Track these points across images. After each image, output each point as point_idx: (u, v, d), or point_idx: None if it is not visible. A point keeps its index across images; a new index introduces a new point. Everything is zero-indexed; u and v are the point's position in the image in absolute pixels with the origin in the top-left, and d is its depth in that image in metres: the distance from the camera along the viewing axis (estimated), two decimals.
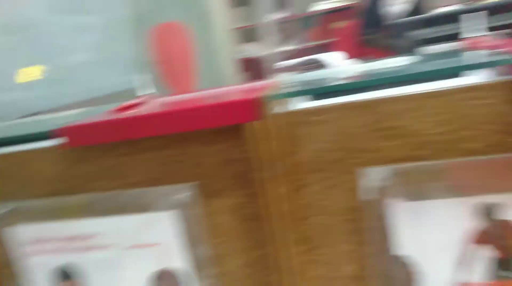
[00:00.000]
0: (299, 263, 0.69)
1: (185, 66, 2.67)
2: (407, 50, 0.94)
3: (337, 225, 0.67)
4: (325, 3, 3.47)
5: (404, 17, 1.41)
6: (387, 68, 0.71)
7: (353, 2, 1.60)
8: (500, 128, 0.58)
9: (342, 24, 1.54)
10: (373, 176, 0.63)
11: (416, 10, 1.41)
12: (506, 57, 0.57)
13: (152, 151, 0.73)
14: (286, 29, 3.43)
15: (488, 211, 0.60)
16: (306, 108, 0.64)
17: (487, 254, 0.61)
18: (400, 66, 0.71)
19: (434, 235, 0.62)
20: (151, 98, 0.93)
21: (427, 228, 0.62)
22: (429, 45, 0.94)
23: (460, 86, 0.59)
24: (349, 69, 0.72)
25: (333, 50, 1.62)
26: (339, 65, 0.93)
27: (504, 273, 0.62)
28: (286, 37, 3.42)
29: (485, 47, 0.68)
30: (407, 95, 0.61)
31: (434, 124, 0.60)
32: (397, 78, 0.61)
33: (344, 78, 0.65)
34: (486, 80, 0.58)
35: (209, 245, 0.72)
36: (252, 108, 0.60)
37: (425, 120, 0.60)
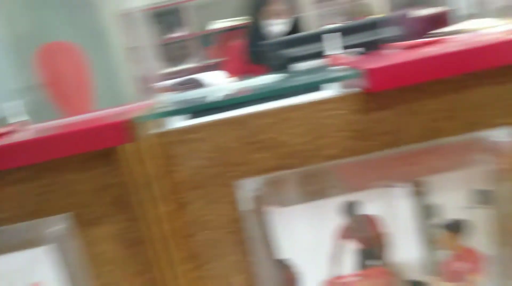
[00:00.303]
0: (187, 281, 0.69)
1: (77, 87, 2.51)
2: (281, 67, 1.02)
3: (222, 239, 0.69)
4: (223, 22, 3.58)
5: (282, 36, 1.53)
6: (258, 85, 0.76)
7: (246, 21, 1.70)
8: (351, 134, 0.66)
9: (233, 42, 1.63)
10: (249, 187, 0.66)
11: (293, 30, 1.54)
12: (352, 72, 0.66)
13: (23, 183, 0.67)
14: (185, 47, 3.47)
15: (349, 208, 0.67)
16: (181, 127, 0.66)
17: (352, 247, 0.68)
18: (270, 83, 0.77)
19: (308, 237, 0.67)
20: (24, 126, 0.86)
21: (301, 230, 0.67)
22: (300, 62, 1.04)
23: (317, 100, 0.65)
24: (225, 88, 0.76)
25: (225, 68, 1.68)
26: (217, 84, 0.98)
27: (368, 262, 0.69)
28: (185, 55, 3.46)
29: (340, 64, 0.77)
30: (273, 110, 0.66)
31: (297, 135, 0.66)
32: (264, 94, 0.66)
33: (218, 97, 0.68)
34: (337, 93, 0.66)
35: (94, 276, 0.69)
36: (122, 130, 0.59)
37: (289, 132, 0.66)
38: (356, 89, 0.65)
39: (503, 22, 0.94)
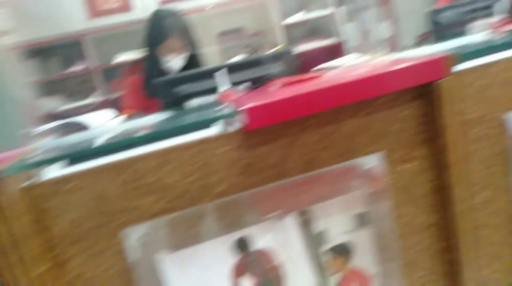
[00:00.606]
0: None
1: None
2: (176, 104, 1.02)
3: None
4: (127, 55, 3.49)
5: (178, 72, 1.54)
6: (144, 125, 0.74)
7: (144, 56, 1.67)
8: (238, 171, 0.67)
9: (132, 76, 1.58)
10: (137, 235, 0.63)
11: (191, 66, 1.56)
12: (233, 110, 0.67)
13: None
14: (86, 81, 3.28)
15: (241, 245, 0.68)
16: (55, 177, 0.61)
17: (248, 283, 0.68)
18: (156, 123, 0.76)
19: (203, 278, 0.66)
20: None
21: (196, 273, 0.65)
22: (195, 98, 1.05)
23: (201, 139, 0.66)
24: (108, 130, 0.73)
25: (124, 103, 1.63)
26: (102, 125, 0.93)
27: None
28: (86, 90, 3.27)
29: (227, 101, 0.79)
30: (157, 152, 0.64)
31: (184, 175, 0.65)
32: (147, 137, 0.64)
33: (99, 141, 0.65)
34: (222, 131, 0.67)
35: None
36: None
37: (177, 172, 0.65)
38: (238, 127, 0.67)
39: (374, 57, 1.05)
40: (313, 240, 0.71)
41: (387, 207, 0.75)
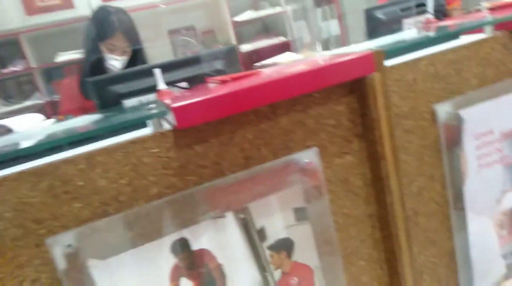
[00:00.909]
0: None
1: None
2: (113, 103, 0.98)
3: None
4: (70, 53, 3.31)
5: (120, 70, 1.49)
6: (72, 127, 0.70)
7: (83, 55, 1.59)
8: (172, 172, 0.65)
9: (71, 77, 1.50)
10: (65, 243, 0.59)
11: (133, 65, 1.51)
12: (164, 110, 0.65)
13: None
14: (25, 82, 3.07)
15: (179, 246, 0.66)
16: None
17: (188, 285, 0.67)
18: (87, 123, 0.72)
19: (140, 285, 0.63)
20: None
21: (132, 280, 0.63)
22: (133, 97, 1.01)
23: (131, 139, 0.63)
24: (33, 134, 0.68)
25: (61, 104, 1.54)
26: (28, 129, 0.88)
27: None
28: (25, 92, 3.06)
29: (164, 99, 0.77)
30: (83, 155, 0.61)
31: (116, 177, 0.62)
32: (73, 137, 0.60)
33: (23, 145, 0.60)
34: (153, 131, 0.64)
35: None
36: None
37: (107, 175, 0.62)
38: (170, 126, 0.65)
39: (311, 54, 1.07)
40: (254, 237, 0.71)
41: (326, 201, 0.76)
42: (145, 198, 0.64)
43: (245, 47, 3.61)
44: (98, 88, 0.97)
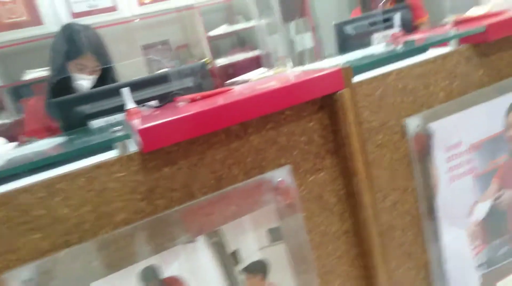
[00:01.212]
0: None
1: None
2: (79, 124, 0.95)
3: None
4: (38, 71, 3.22)
5: (87, 91, 1.45)
6: (33, 152, 0.67)
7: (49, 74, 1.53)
8: (139, 196, 0.63)
9: (36, 96, 1.45)
10: (22, 278, 0.55)
11: (102, 84, 1.47)
12: (130, 132, 0.63)
13: None
14: None
15: (149, 274, 0.63)
16: None
17: None
18: (49, 147, 0.69)
19: None
20: None
21: None
22: (100, 117, 0.98)
23: (95, 164, 0.60)
24: None
25: (25, 125, 1.48)
26: None
27: None
28: None
29: (131, 120, 0.75)
30: (45, 180, 0.58)
31: (79, 204, 0.59)
32: (30, 165, 0.57)
33: None
34: (118, 155, 0.62)
35: None
36: None
37: (69, 203, 0.59)
38: (136, 149, 0.63)
39: (281, 70, 1.07)
40: (227, 260, 0.69)
41: (300, 219, 0.75)
42: (111, 225, 0.61)
43: (221, 61, 3.61)
44: (63, 109, 0.93)
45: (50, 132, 1.40)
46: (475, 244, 0.94)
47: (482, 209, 0.93)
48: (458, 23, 1.13)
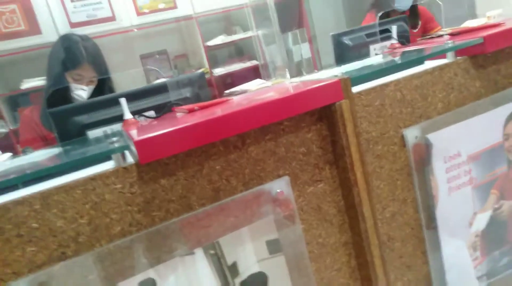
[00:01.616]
0: None
1: None
2: (76, 134, 0.94)
3: None
4: (36, 81, 3.22)
5: (83, 101, 1.44)
6: (28, 163, 0.66)
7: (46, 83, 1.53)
8: (136, 208, 0.62)
9: (32, 106, 1.44)
10: None
11: (100, 94, 1.46)
12: (127, 143, 0.62)
13: None
14: None
15: None
16: None
17: None
18: (45, 158, 0.68)
19: None
20: None
21: None
22: (98, 128, 0.97)
23: (92, 176, 0.59)
24: None
25: (22, 135, 1.48)
26: None
27: None
28: None
29: (129, 130, 0.74)
30: (40, 192, 0.57)
31: (75, 216, 0.58)
32: (25, 177, 0.56)
33: None
34: (115, 167, 0.61)
35: None
36: None
37: (65, 215, 0.58)
38: (133, 160, 0.62)
39: (280, 81, 1.07)
40: (226, 273, 0.68)
41: (299, 230, 0.74)
42: (108, 238, 0.60)
43: (218, 71, 3.62)
44: (59, 119, 0.93)
45: (45, 142, 1.39)
46: (475, 255, 0.93)
47: (481, 220, 0.92)
48: (454, 35, 1.14)
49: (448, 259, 0.89)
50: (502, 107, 0.93)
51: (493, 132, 0.93)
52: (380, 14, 1.91)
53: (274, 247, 0.71)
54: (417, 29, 2.03)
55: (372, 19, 2.03)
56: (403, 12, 1.95)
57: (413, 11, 2.01)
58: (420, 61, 0.94)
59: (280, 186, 0.72)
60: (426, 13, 2.12)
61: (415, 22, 2.03)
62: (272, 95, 0.74)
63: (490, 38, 0.89)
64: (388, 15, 1.94)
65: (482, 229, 0.93)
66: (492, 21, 1.22)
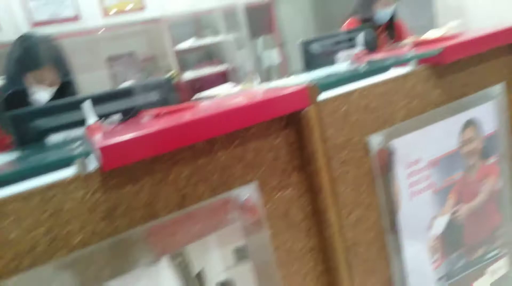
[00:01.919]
0: None
1: None
2: (35, 139, 0.90)
3: None
4: None
5: (46, 102, 1.39)
6: None
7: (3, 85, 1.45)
8: (100, 215, 0.60)
9: None
10: None
11: (61, 97, 1.41)
12: (89, 149, 0.60)
13: None
14: None
15: None
16: None
17: None
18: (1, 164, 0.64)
19: None
20: None
21: None
22: (59, 132, 0.94)
23: (50, 184, 0.57)
24: None
25: None
26: None
27: None
28: None
29: (91, 135, 0.72)
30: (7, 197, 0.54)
31: (32, 227, 0.55)
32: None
33: None
34: (76, 174, 0.59)
35: None
36: None
37: (20, 225, 0.55)
38: (95, 168, 0.60)
39: (248, 86, 1.07)
40: (192, 282, 0.67)
41: (266, 237, 0.74)
42: (67, 248, 0.58)
43: (188, 75, 3.59)
44: (18, 123, 0.88)
45: (3, 146, 1.32)
46: (435, 257, 0.97)
47: (440, 223, 0.96)
48: (416, 44, 1.19)
49: (409, 261, 0.92)
50: (459, 114, 0.98)
51: (451, 138, 0.97)
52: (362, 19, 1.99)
53: (241, 254, 0.71)
54: (393, 40, 2.13)
55: (353, 25, 2.09)
56: (381, 25, 2.05)
57: (390, 24, 2.12)
58: (384, 69, 0.97)
59: (248, 192, 0.72)
60: (402, 26, 2.22)
61: (391, 34, 2.14)
62: (240, 100, 0.74)
63: (448, 49, 0.93)
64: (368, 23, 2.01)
65: (441, 232, 0.97)
66: (451, 32, 1.29)
